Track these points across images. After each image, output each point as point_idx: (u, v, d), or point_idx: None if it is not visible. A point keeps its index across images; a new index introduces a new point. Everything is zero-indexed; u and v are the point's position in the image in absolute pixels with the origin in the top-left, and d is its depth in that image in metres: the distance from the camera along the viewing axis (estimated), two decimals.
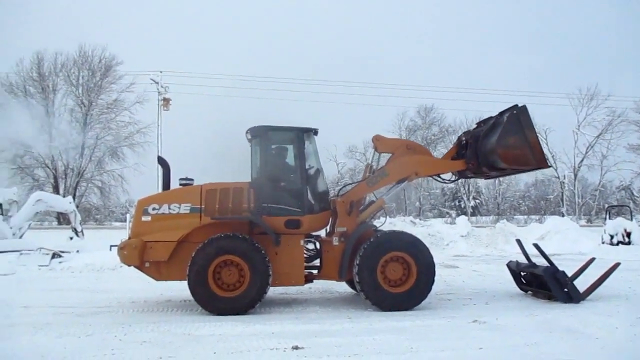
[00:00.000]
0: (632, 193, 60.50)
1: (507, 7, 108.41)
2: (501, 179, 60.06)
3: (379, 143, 9.23)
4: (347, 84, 65.42)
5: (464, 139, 9.43)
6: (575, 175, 55.12)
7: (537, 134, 8.76)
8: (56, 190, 45.20)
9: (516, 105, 8.75)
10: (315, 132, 8.95)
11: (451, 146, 10.00)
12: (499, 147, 8.52)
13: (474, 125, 9.95)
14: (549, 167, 9.03)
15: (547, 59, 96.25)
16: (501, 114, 8.95)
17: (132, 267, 8.55)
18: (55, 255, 14.63)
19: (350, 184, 9.30)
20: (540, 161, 8.82)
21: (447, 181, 10.24)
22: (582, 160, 54.81)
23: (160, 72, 37.01)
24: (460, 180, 59.71)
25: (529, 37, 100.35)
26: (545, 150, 52.57)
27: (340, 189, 9.60)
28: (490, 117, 9.24)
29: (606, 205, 39.13)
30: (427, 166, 9.27)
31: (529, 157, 8.66)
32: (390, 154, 9.20)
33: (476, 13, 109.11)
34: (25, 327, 6.98)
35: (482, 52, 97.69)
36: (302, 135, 8.74)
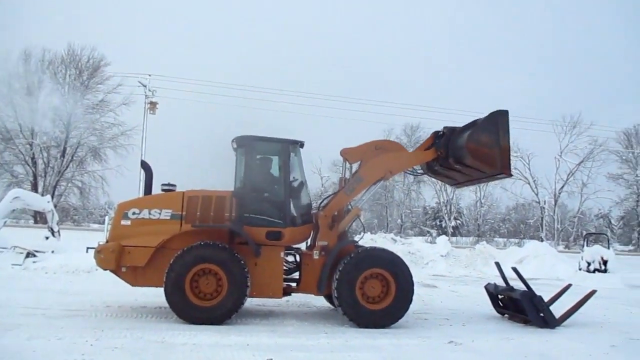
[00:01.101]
0: (610, 222, 61.45)
1: (494, 32, 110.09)
2: (482, 200, 60.75)
3: (349, 155, 9.18)
4: (334, 98, 65.71)
5: (442, 131, 9.37)
6: (556, 201, 55.82)
7: (509, 141, 8.69)
8: (35, 188, 44.47)
9: (499, 109, 8.76)
10: (302, 144, 8.95)
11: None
12: (471, 141, 8.53)
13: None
14: (511, 175, 9.05)
15: (533, 85, 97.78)
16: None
17: (107, 271, 8.42)
18: (29, 254, 14.33)
19: (328, 196, 9.26)
20: (504, 167, 8.73)
21: (417, 173, 10.29)
22: (562, 187, 55.57)
23: (149, 75, 36.89)
24: (442, 200, 59.54)
25: (516, 61, 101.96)
26: (527, 175, 53.56)
27: (321, 202, 9.57)
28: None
29: (584, 232, 39.72)
30: (399, 162, 9.26)
31: (496, 159, 8.62)
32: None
33: (464, 35, 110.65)
34: None
35: (468, 74, 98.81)
36: (288, 147, 8.73)
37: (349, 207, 9.07)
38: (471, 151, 8.55)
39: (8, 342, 6.18)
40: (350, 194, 8.92)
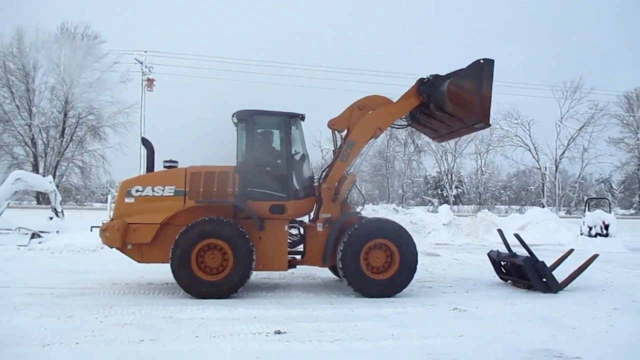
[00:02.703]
0: (611, 186, 61.61)
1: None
2: (483, 168, 60.73)
3: (336, 125, 9.10)
4: (334, 69, 65.09)
5: (427, 77, 9.20)
6: (557, 167, 55.77)
7: (491, 91, 8.41)
8: (36, 169, 44.46)
9: (486, 57, 8.53)
10: (302, 117, 8.91)
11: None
12: (452, 85, 8.43)
13: None
14: (489, 125, 8.84)
15: (533, 51, 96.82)
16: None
17: (113, 249, 8.48)
18: (34, 235, 14.47)
19: (327, 167, 9.22)
20: (484, 115, 8.48)
21: (402, 126, 10.26)
22: (563, 153, 55.44)
23: (145, 52, 36.49)
24: (443, 169, 59.26)
25: (516, 28, 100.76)
26: (528, 142, 53.40)
27: (320, 175, 9.54)
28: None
29: (585, 198, 39.79)
30: (386, 116, 9.13)
31: (476, 107, 8.40)
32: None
33: (463, 2, 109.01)
34: (4, 308, 6.89)
35: (467, 41, 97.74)
36: (289, 120, 8.69)
37: (345, 174, 9.04)
38: (451, 96, 8.43)
39: (19, 321, 6.26)
40: (346, 161, 8.87)
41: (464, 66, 8.61)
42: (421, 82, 9.19)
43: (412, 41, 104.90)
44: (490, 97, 8.50)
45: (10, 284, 8.86)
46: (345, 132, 9.17)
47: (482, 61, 8.41)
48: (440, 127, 9.61)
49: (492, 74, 8.46)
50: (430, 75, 9.15)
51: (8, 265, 11.33)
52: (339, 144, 9.23)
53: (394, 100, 9.35)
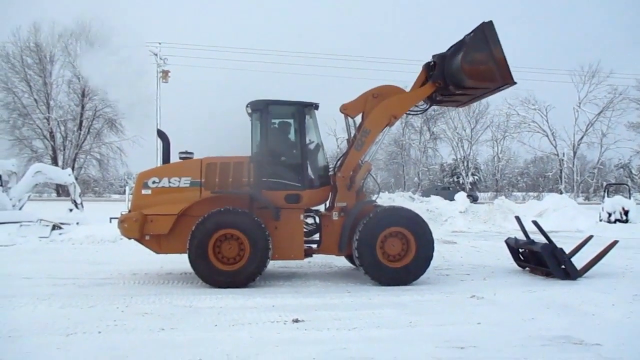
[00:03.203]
0: (631, 171, 60.64)
1: None
2: (499, 155, 60.17)
3: (349, 110, 9.06)
4: (349, 57, 64.70)
5: (432, 60, 9.14)
6: (575, 153, 55.14)
7: (503, 51, 8.43)
8: (55, 162, 45.16)
9: (483, 22, 8.51)
10: (316, 106, 8.89)
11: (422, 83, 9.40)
12: (465, 63, 8.36)
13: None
14: (515, 83, 8.84)
15: (551, 35, 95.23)
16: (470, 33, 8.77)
17: (132, 240, 8.59)
18: (55, 227, 14.69)
19: (341, 156, 9.22)
20: (505, 77, 8.53)
21: (418, 112, 10.01)
22: (581, 138, 54.79)
23: (159, 43, 36.66)
24: (459, 157, 58.98)
25: (533, 11, 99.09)
26: (545, 128, 52.76)
27: (335, 164, 9.54)
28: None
29: (604, 183, 39.27)
30: (400, 104, 9.06)
31: (495, 73, 8.43)
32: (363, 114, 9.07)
33: None
34: (27, 298, 7.03)
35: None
36: (303, 109, 8.69)
37: (360, 163, 9.03)
38: (468, 73, 8.38)
39: (43, 311, 6.39)
40: (360, 149, 8.87)
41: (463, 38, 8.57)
42: (428, 67, 9.12)
43: (425, 26, 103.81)
44: (504, 57, 8.48)
45: (33, 274, 9.03)
46: (360, 120, 9.15)
47: (481, 27, 8.35)
48: (463, 98, 9.60)
49: (496, 34, 8.42)
50: (434, 57, 9.07)
51: (31, 256, 11.55)
52: (352, 132, 9.21)
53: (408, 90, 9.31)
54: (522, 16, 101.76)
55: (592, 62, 56.04)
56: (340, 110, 9.04)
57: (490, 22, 8.40)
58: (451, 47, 9.01)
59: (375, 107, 8.89)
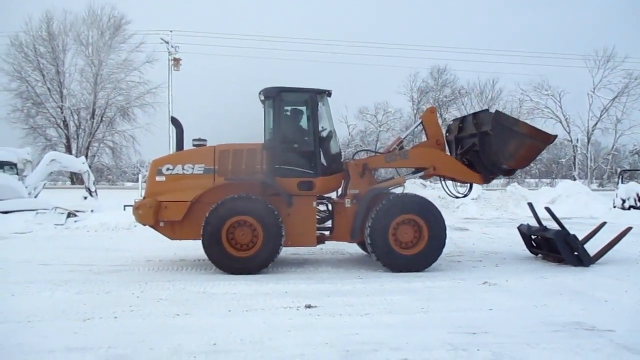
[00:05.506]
0: None
1: None
2: None
3: (429, 114, 9.35)
4: (360, 44, 64.30)
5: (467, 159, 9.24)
6: (589, 139, 54.40)
7: (525, 122, 8.84)
8: (68, 150, 45.50)
9: (487, 111, 8.83)
10: (329, 93, 8.88)
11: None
12: (508, 161, 8.69)
13: (451, 122, 10.08)
14: (556, 136, 9.07)
15: (564, 20, 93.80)
16: (475, 115, 8.98)
17: (146, 227, 8.70)
18: (70, 214, 14.87)
19: (367, 150, 9.33)
20: (545, 139, 8.87)
21: (459, 195, 10.04)
22: (596, 124, 53.99)
23: (170, 31, 36.66)
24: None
25: None
26: (559, 114, 52.12)
27: (356, 153, 9.55)
28: (465, 117, 9.51)
29: (619, 169, 38.81)
30: (447, 165, 9.08)
31: (536, 144, 8.75)
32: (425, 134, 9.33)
33: None
34: (44, 284, 7.17)
35: (496, 12, 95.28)
36: (316, 96, 8.68)
37: (397, 174, 9.17)
38: (516, 164, 8.87)
39: (60, 297, 6.52)
40: (388, 163, 9.02)
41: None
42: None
43: (438, 14, 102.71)
44: (531, 126, 8.94)
45: (50, 261, 9.19)
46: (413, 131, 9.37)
47: (495, 121, 8.45)
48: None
49: (508, 116, 8.98)
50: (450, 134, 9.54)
51: (47, 243, 11.73)
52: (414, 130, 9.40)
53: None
54: (537, 0, 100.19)
55: (607, 46, 54.83)
56: (427, 109, 9.43)
57: (496, 111, 8.66)
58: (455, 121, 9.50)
59: (429, 148, 9.12)
